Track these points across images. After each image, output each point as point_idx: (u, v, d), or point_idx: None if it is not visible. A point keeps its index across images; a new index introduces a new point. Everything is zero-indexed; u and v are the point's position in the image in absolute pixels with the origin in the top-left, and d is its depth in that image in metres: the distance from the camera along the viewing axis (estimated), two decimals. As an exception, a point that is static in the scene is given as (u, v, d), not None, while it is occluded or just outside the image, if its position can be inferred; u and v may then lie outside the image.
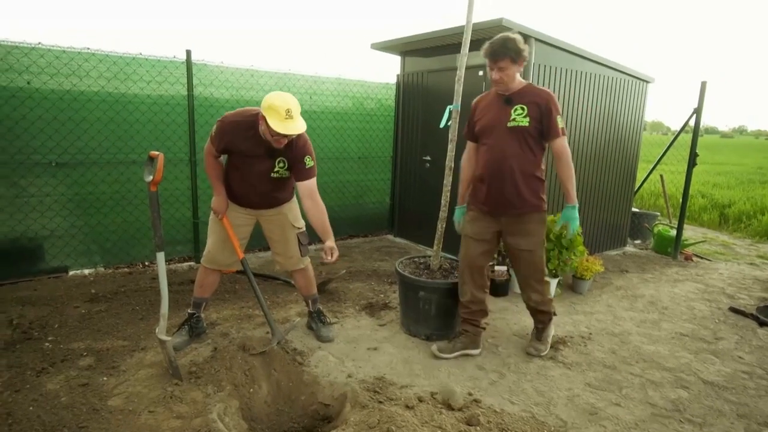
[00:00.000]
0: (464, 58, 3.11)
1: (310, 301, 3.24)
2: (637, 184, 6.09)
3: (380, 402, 2.45)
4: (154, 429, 2.19)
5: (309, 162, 2.75)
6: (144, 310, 3.52)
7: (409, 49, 5.42)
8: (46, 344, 2.94)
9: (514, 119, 2.70)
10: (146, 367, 2.73)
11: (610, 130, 5.26)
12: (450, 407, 2.45)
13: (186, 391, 2.48)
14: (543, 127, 2.70)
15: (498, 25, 4.01)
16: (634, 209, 6.29)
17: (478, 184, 2.89)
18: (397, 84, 5.82)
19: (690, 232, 7.21)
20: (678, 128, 5.90)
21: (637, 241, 6.29)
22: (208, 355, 2.81)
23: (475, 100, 2.97)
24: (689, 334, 3.55)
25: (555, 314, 3.14)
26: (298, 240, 3.00)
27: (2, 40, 3.65)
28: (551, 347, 3.19)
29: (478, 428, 2.26)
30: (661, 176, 6.43)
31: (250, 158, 2.73)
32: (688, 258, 5.59)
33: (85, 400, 2.39)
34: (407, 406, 2.37)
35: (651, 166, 6.29)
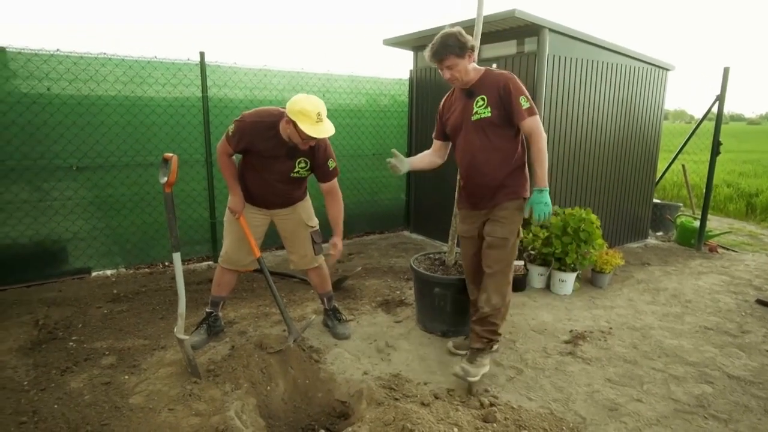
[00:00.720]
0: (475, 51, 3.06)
1: (325, 299, 3.26)
2: (659, 175, 5.94)
3: (396, 399, 2.45)
4: (173, 426, 2.22)
5: (332, 164, 2.84)
6: (164, 309, 3.58)
7: (421, 44, 5.37)
8: (70, 344, 3.02)
9: (476, 112, 2.57)
10: (166, 365, 2.77)
11: (629, 119, 5.15)
12: (466, 404, 2.43)
13: (204, 389, 2.51)
14: (508, 113, 2.52)
15: (511, 16, 3.96)
16: (655, 200, 6.15)
17: (460, 184, 2.84)
18: (410, 79, 5.79)
19: (715, 223, 7.01)
20: (697, 117, 5.74)
21: (660, 233, 6.15)
22: (226, 354, 2.84)
23: (442, 101, 2.85)
24: (714, 327, 3.46)
25: (498, 340, 2.80)
26: (312, 239, 3.02)
27: (22, 48, 3.74)
28: (569, 343, 3.15)
29: (495, 425, 2.24)
30: (683, 166, 6.27)
31: (270, 159, 2.73)
32: (712, 249, 5.44)
33: (107, 398, 2.44)
34: (423, 403, 2.36)
35: (672, 156, 6.13)
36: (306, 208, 3.04)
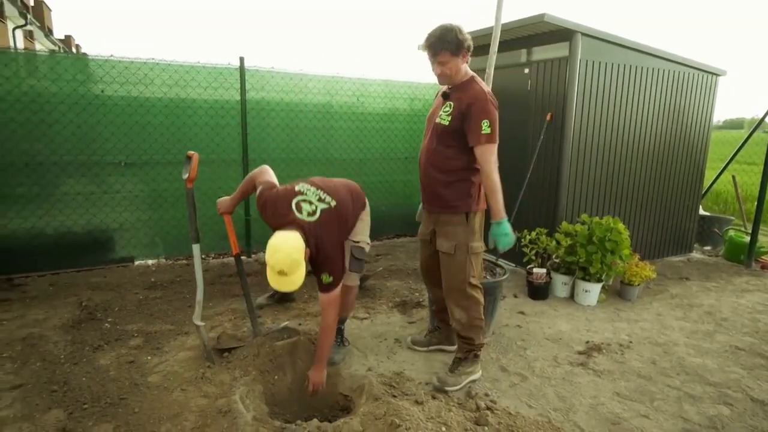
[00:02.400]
0: (493, 56, 3.09)
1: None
2: (706, 186, 5.62)
3: (393, 396, 2.50)
4: (182, 405, 2.39)
5: (326, 278, 2.48)
6: (193, 298, 3.74)
7: (456, 48, 5.39)
8: (106, 324, 3.29)
9: (440, 116, 2.53)
10: (186, 349, 2.97)
11: (673, 127, 4.92)
12: (462, 406, 2.45)
13: (216, 373, 2.67)
14: (464, 129, 2.43)
15: (540, 21, 3.91)
16: (703, 212, 5.82)
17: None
18: (446, 84, 5.80)
19: (774, 239, 6.54)
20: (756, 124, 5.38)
21: (707, 247, 5.82)
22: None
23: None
24: (746, 348, 3.26)
25: (481, 347, 2.74)
26: (352, 253, 2.79)
27: (82, 54, 4.10)
28: (583, 354, 3.08)
29: (486, 428, 2.25)
30: (733, 177, 5.88)
31: None
32: (765, 267, 5.09)
33: (129, 376, 2.66)
34: (417, 402, 2.40)
35: (722, 166, 5.78)
36: (357, 224, 2.82)
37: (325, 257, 2.46)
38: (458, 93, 2.50)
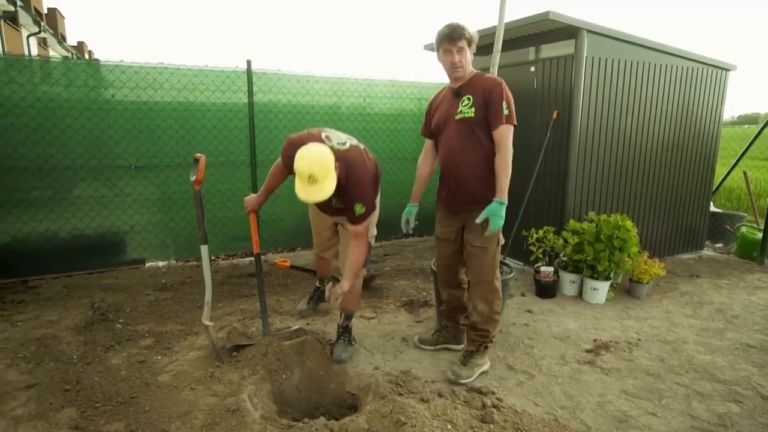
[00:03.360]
0: (497, 55, 3.10)
1: (343, 315, 3.06)
2: (717, 182, 5.56)
3: (400, 394, 2.52)
4: (191, 403, 2.43)
5: (359, 209, 2.50)
6: (203, 299, 3.83)
7: (462, 48, 5.39)
8: (117, 325, 3.35)
9: (461, 111, 2.60)
10: (196, 349, 3.02)
11: (682, 123, 4.88)
12: (468, 404, 2.46)
13: (225, 372, 2.71)
14: (487, 115, 2.53)
15: (545, 19, 3.90)
16: (714, 209, 5.76)
17: (440, 182, 2.84)
18: (452, 83, 5.81)
19: (788, 236, 6.44)
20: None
21: (719, 245, 5.75)
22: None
23: (431, 100, 2.91)
24: (758, 345, 3.22)
25: (492, 341, 2.82)
26: None
27: (93, 60, 4.19)
28: (591, 352, 3.07)
29: (492, 426, 2.26)
30: (744, 173, 5.80)
31: None
32: (777, 264, 5.02)
33: (140, 375, 2.70)
34: (423, 400, 2.41)
35: (733, 162, 5.71)
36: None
37: (356, 184, 2.49)
38: (471, 87, 2.61)
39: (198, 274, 4.46)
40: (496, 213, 2.50)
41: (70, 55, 22.01)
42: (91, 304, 3.67)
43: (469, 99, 2.58)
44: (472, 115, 2.56)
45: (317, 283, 3.67)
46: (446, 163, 2.72)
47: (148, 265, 4.71)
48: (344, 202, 2.54)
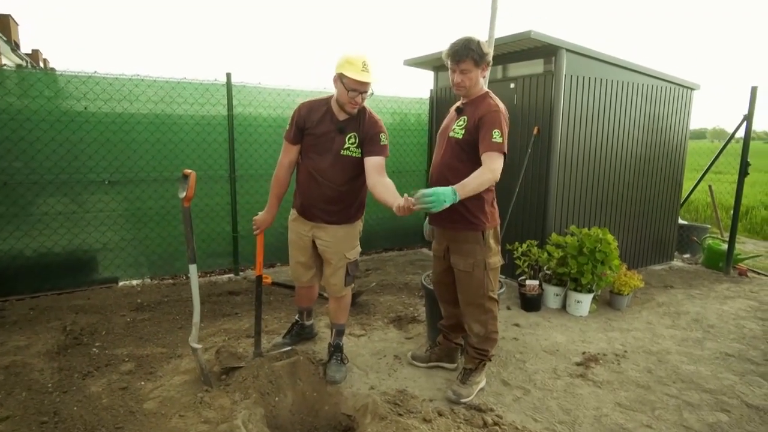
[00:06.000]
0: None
1: (334, 331, 3.02)
2: (684, 196, 5.80)
3: (399, 414, 2.47)
4: (182, 432, 2.31)
5: (384, 139, 2.67)
6: (183, 319, 3.71)
7: (441, 64, 5.46)
8: (94, 349, 3.16)
9: (454, 129, 2.57)
10: (181, 373, 2.88)
11: (652, 139, 5.08)
12: (470, 422, 2.43)
13: (215, 397, 2.59)
14: (477, 140, 2.45)
15: (527, 38, 4.00)
16: (681, 221, 6.00)
17: None
18: (431, 99, 5.88)
19: (750, 247, 6.78)
20: (739, 136, 5.56)
21: (687, 256, 5.99)
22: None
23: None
24: (736, 354, 3.35)
25: (491, 359, 2.81)
26: (347, 269, 2.86)
27: (63, 70, 4.01)
28: (581, 365, 3.11)
29: (496, 444, 2.24)
30: (710, 186, 6.09)
31: (320, 136, 2.68)
32: (742, 273, 5.26)
33: (123, 403, 2.55)
34: (425, 419, 2.37)
35: (699, 176, 5.98)
36: (351, 236, 2.86)
37: (376, 119, 2.73)
38: (472, 107, 2.54)
39: (175, 293, 4.29)
40: (441, 198, 2.22)
41: (24, 63, 21.08)
42: (62, 327, 3.45)
43: (464, 120, 2.54)
44: (460, 136, 2.52)
45: (296, 317, 3.36)
46: (432, 177, 2.71)
47: (121, 284, 4.49)
48: (366, 133, 2.67)
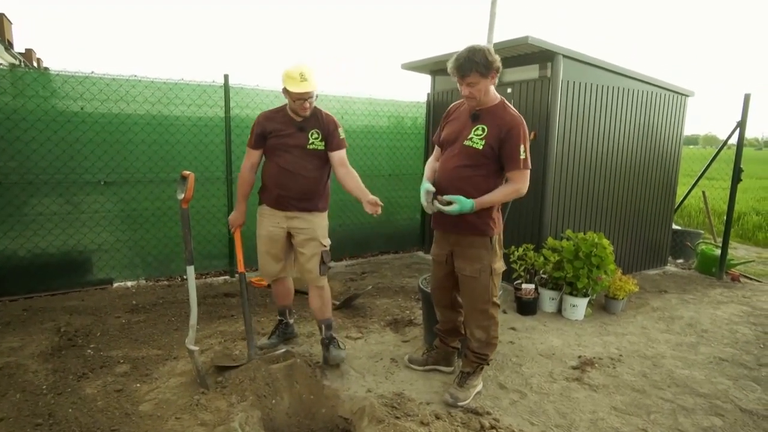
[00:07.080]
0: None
1: (323, 326, 3.09)
2: (678, 201, 5.85)
3: (397, 417, 2.47)
4: (179, 435, 2.29)
5: (341, 133, 3.01)
6: (179, 321, 3.69)
7: (438, 68, 5.49)
8: (88, 351, 3.14)
9: (471, 138, 2.51)
10: (177, 375, 2.87)
11: (646, 145, 5.13)
12: (467, 425, 2.44)
13: (212, 399, 2.58)
14: (501, 155, 2.47)
15: (524, 43, 4.03)
16: (675, 227, 6.05)
17: None
18: (428, 102, 5.90)
19: (742, 252, 6.85)
20: (733, 142, 5.63)
21: (680, 261, 6.03)
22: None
23: (451, 105, 2.79)
24: (729, 359, 3.37)
25: (489, 363, 2.82)
26: (321, 257, 3.00)
27: (60, 70, 3.99)
28: (577, 369, 3.12)
29: (493, 448, 2.24)
30: (703, 192, 6.15)
31: (285, 137, 2.92)
32: (735, 279, 5.31)
33: (119, 405, 2.54)
34: (422, 423, 2.38)
35: (692, 182, 6.04)
36: (322, 225, 3.05)
37: (328, 114, 2.99)
38: (491, 117, 2.50)
39: (170, 295, 4.27)
40: (460, 208, 2.43)
41: (17, 62, 20.93)
42: (56, 329, 3.43)
43: (483, 129, 2.49)
44: (481, 147, 2.48)
45: (278, 316, 3.40)
46: (440, 181, 2.64)
47: (116, 285, 4.46)
48: (326, 128, 2.94)
